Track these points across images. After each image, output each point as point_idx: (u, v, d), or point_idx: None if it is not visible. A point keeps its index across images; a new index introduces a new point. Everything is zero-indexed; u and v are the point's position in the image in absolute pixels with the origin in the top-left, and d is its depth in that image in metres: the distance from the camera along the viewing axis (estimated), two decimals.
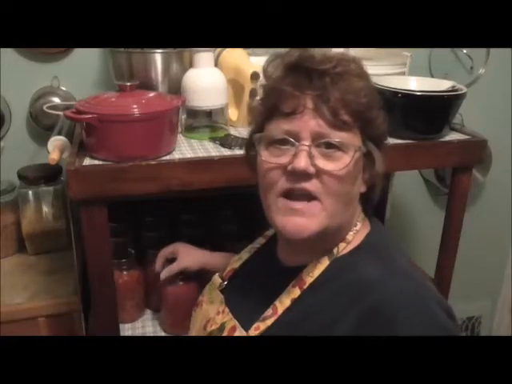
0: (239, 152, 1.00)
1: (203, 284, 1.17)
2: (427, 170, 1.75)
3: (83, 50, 1.33)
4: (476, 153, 1.13)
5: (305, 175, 0.66)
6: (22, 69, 1.33)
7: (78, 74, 1.36)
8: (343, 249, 0.73)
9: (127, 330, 1.19)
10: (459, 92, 1.08)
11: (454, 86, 1.12)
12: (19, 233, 1.33)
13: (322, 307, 0.70)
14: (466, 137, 1.13)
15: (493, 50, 1.67)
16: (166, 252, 1.14)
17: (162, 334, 1.19)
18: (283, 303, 0.73)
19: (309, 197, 0.67)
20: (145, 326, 1.21)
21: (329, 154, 0.67)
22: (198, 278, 1.16)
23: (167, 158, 0.96)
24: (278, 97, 0.68)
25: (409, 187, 1.78)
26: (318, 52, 0.70)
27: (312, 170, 0.66)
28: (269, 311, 0.74)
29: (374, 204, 0.78)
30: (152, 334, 1.18)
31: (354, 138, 0.68)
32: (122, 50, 1.10)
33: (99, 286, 0.97)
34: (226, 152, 0.99)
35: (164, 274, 1.12)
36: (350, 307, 0.67)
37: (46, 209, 1.31)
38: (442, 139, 1.11)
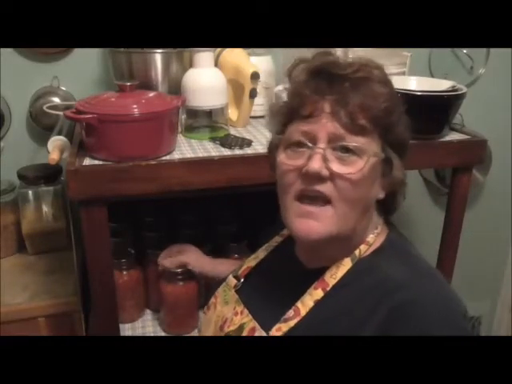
0: (239, 152, 1.00)
1: (203, 284, 1.18)
2: (427, 169, 1.75)
3: (83, 50, 1.33)
4: (476, 153, 1.13)
5: (318, 178, 0.67)
6: (22, 69, 1.33)
7: (78, 74, 1.35)
8: (365, 251, 0.74)
9: (127, 329, 1.19)
10: (459, 92, 1.08)
11: (454, 86, 1.12)
12: (19, 233, 1.33)
13: (348, 308, 0.70)
14: (466, 137, 1.13)
15: (493, 50, 1.67)
16: (173, 250, 1.15)
17: (162, 334, 1.19)
18: (306, 305, 0.73)
19: (322, 200, 0.68)
20: (145, 326, 1.21)
21: (344, 158, 0.67)
22: (198, 278, 1.16)
23: (167, 157, 0.96)
24: (298, 100, 0.70)
25: (409, 187, 1.77)
26: (342, 57, 0.71)
27: (325, 172, 0.66)
28: (290, 312, 0.73)
29: (395, 211, 0.80)
30: (152, 334, 1.18)
31: (372, 143, 0.69)
32: (122, 50, 1.10)
33: (99, 286, 0.97)
34: (226, 152, 0.99)
35: (163, 262, 1.13)
36: (377, 306, 0.67)
37: (46, 209, 1.31)
38: (442, 139, 1.11)
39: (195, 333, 1.19)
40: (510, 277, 2.06)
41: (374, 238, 0.75)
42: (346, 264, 0.73)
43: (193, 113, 1.10)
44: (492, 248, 1.99)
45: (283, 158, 0.71)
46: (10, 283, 1.22)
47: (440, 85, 1.14)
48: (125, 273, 1.17)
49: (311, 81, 0.70)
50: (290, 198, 0.70)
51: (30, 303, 1.16)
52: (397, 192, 0.77)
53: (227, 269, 1.05)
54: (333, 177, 0.67)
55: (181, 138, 1.08)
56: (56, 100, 1.34)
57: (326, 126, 0.67)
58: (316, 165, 0.66)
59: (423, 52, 1.60)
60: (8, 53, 1.30)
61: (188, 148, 1.02)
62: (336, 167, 0.67)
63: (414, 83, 1.17)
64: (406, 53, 1.22)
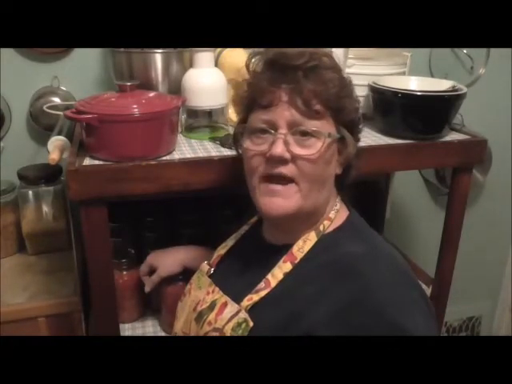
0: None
1: None
2: (427, 169, 1.76)
3: (83, 50, 1.33)
4: (476, 153, 1.12)
5: (281, 160, 0.73)
6: (22, 69, 1.33)
7: (78, 73, 1.36)
8: (328, 226, 0.80)
9: (127, 329, 1.19)
10: (459, 92, 1.08)
11: (454, 86, 1.12)
12: (19, 233, 1.33)
13: (311, 278, 0.76)
14: (466, 137, 1.13)
15: (493, 50, 1.67)
16: (144, 271, 1.14)
17: (162, 333, 1.19)
18: (276, 277, 0.78)
19: (286, 180, 0.75)
20: (145, 326, 1.21)
21: (303, 141, 0.74)
22: None
23: (167, 157, 0.96)
24: (256, 91, 0.76)
25: (409, 187, 1.78)
26: (292, 49, 0.77)
27: (287, 155, 0.73)
28: (261, 284, 0.78)
29: (348, 185, 0.86)
30: (152, 334, 1.18)
31: (327, 125, 0.75)
32: (122, 50, 1.10)
33: (99, 285, 0.97)
34: (226, 152, 0.99)
35: (147, 289, 1.13)
36: (336, 280, 0.73)
37: (46, 209, 1.31)
38: (441, 139, 1.11)
39: None
40: (510, 277, 2.06)
41: (335, 214, 0.81)
42: (312, 239, 0.79)
43: (193, 113, 1.10)
44: (492, 248, 1.99)
45: (248, 145, 0.78)
46: (10, 283, 1.22)
47: (440, 85, 1.14)
48: (125, 273, 1.17)
49: (267, 72, 0.77)
50: (256, 179, 0.77)
51: (30, 303, 1.16)
52: (351, 166, 0.83)
53: (201, 251, 1.08)
54: (294, 159, 0.74)
55: (181, 138, 1.08)
56: (56, 100, 1.34)
57: (284, 113, 0.74)
58: (279, 149, 0.73)
59: (423, 52, 1.60)
60: (8, 53, 1.30)
61: (188, 148, 1.02)
62: (296, 150, 0.74)
63: (414, 83, 1.17)
64: (406, 53, 1.22)
